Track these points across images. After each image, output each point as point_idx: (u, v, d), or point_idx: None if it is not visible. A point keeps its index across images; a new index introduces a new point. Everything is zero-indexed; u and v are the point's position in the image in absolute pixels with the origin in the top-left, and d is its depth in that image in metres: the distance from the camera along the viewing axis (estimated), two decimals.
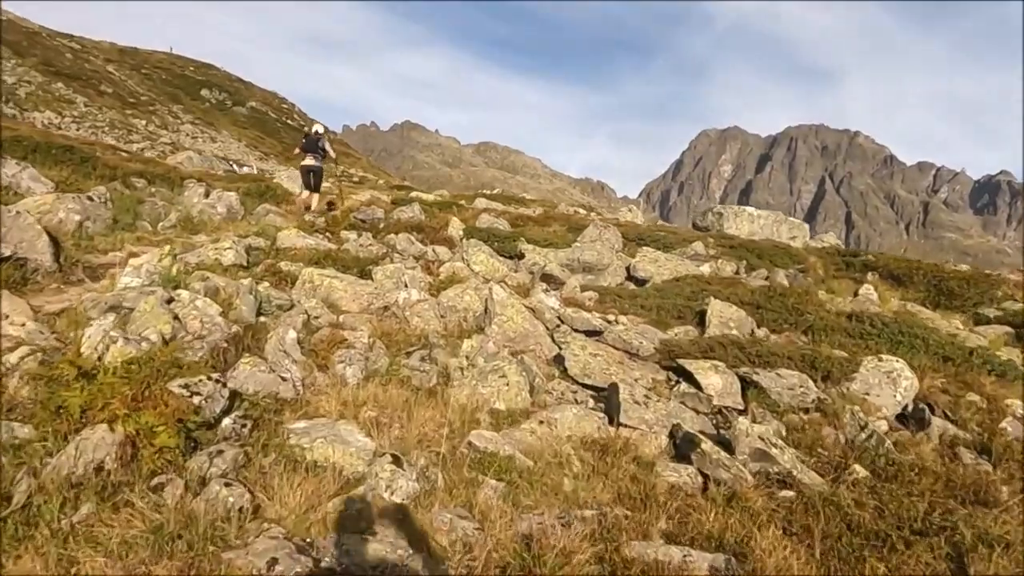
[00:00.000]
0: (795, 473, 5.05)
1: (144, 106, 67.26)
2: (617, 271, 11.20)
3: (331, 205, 14.83)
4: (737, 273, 12.39)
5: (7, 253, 7.02)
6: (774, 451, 5.12)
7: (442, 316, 7.91)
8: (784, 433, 6.01)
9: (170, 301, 6.26)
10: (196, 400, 4.34)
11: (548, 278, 9.92)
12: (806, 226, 19.96)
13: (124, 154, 16.06)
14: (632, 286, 10.97)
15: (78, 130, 48.27)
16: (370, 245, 10.65)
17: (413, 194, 19.92)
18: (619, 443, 5.30)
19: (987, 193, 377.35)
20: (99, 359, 4.78)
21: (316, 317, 7.23)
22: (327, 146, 14.54)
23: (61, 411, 4.10)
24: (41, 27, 71.48)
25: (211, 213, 11.51)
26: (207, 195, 12.28)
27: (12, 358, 4.91)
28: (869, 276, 13.06)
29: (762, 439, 5.18)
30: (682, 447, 5.29)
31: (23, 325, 5.84)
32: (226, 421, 4.48)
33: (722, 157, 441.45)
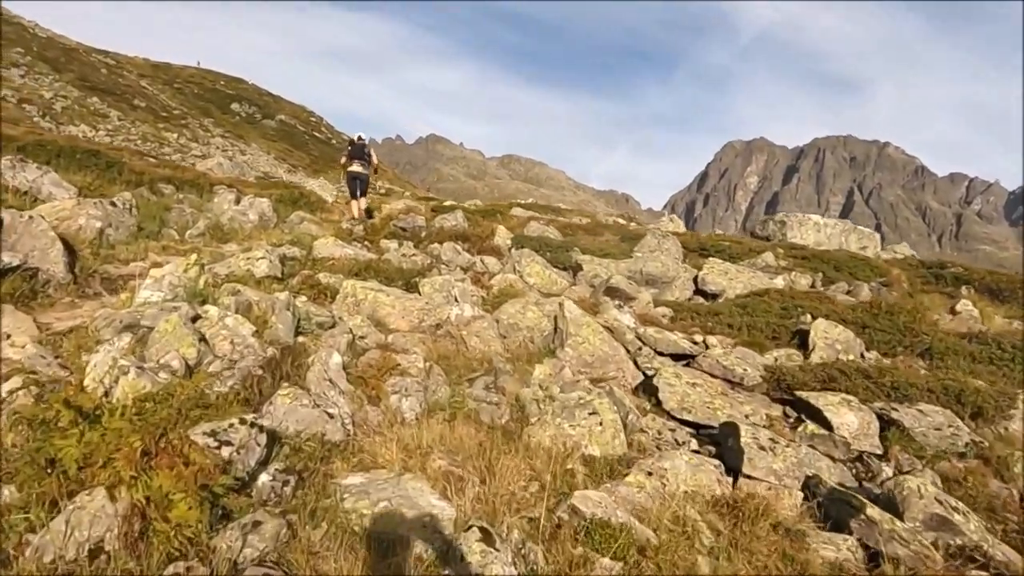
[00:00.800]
0: (985, 547, 3.89)
1: (176, 120, 67.99)
2: (684, 284, 10.09)
3: (369, 212, 13.96)
4: (814, 286, 11.19)
5: (15, 263, 6.16)
6: (956, 518, 3.97)
7: (503, 336, 6.88)
8: (939, 486, 4.84)
9: (196, 319, 5.32)
10: (225, 452, 3.35)
11: (613, 292, 8.86)
12: (877, 236, 18.58)
13: (152, 160, 15.39)
14: (702, 300, 9.86)
15: (112, 143, 48.58)
16: (413, 255, 9.69)
17: (448, 202, 19.01)
18: (751, 503, 4.18)
19: (1023, 205, 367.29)
20: (106, 394, 3.82)
21: (362, 337, 6.25)
22: (372, 154, 14.56)
23: (53, 466, 3.13)
24: (79, 43, 72.84)
25: (242, 221, 10.67)
26: (238, 202, 11.46)
27: (2, 390, 3.98)
28: (964, 290, 11.75)
29: (940, 502, 4.03)
30: (832, 509, 4.15)
31: (24, 347, 4.93)
32: (263, 478, 3.48)
33: (748, 169, 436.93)
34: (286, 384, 4.74)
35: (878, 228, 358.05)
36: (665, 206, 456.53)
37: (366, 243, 10.38)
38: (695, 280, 10.34)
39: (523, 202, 27.45)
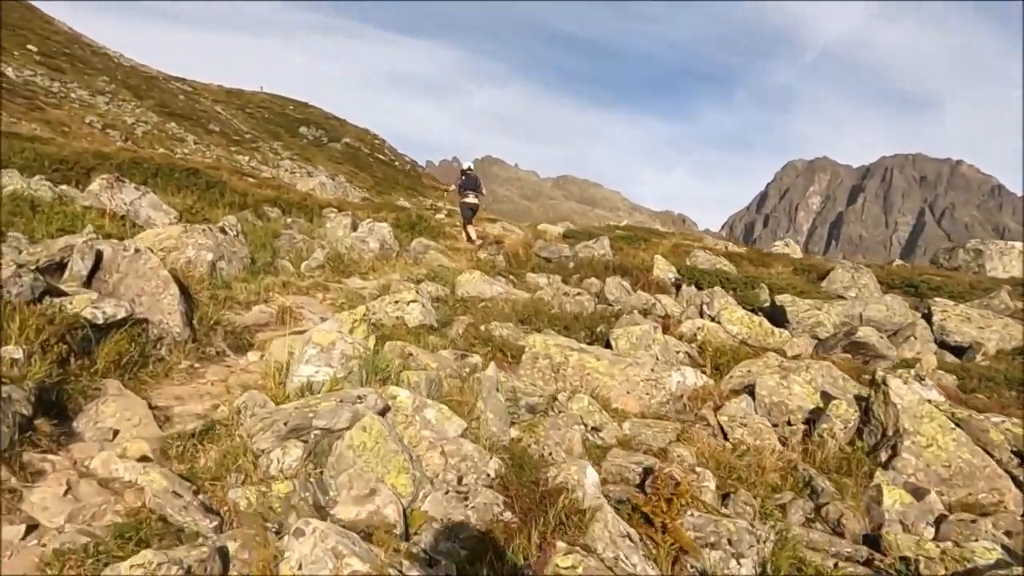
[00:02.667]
0: None
1: (247, 143, 69.26)
2: (921, 334, 7.84)
3: (501, 245, 12.14)
4: None
5: (119, 314, 4.51)
6: None
7: (773, 424, 4.83)
8: None
9: (384, 411, 3.50)
10: None
11: (857, 347, 6.74)
12: None
13: (251, 180, 14.14)
14: (954, 358, 7.62)
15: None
16: (577, 294, 7.77)
17: (554, 228, 17.14)
18: None
19: None
20: None
21: (596, 428, 4.33)
22: (482, 185, 14.97)
23: None
24: (159, 72, 75.45)
25: (361, 249, 9.03)
26: (355, 227, 9.85)
27: None
28: None
29: None
30: None
31: (142, 463, 3.19)
32: None
33: (810, 189, 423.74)
34: (561, 543, 2.83)
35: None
36: (723, 227, 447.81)
37: (511, 277, 8.55)
38: (931, 328, 8.07)
39: (613, 224, 25.45)
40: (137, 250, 5.39)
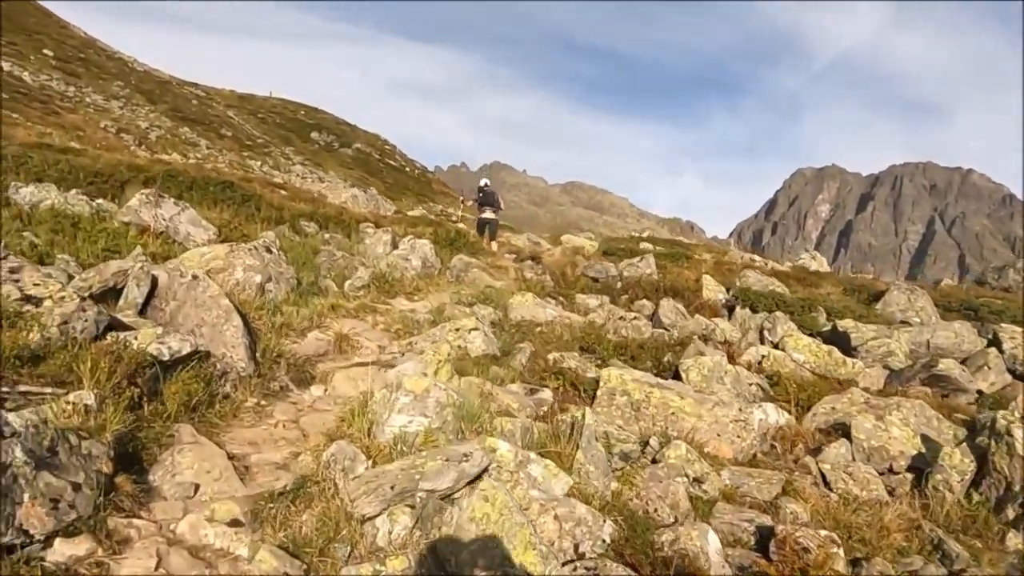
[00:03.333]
0: None
1: (259, 148, 69.50)
2: (995, 364, 7.49)
3: (540, 262, 11.78)
4: None
5: (186, 350, 4.24)
6: None
7: (880, 473, 4.52)
8: None
9: (486, 469, 3.21)
10: None
11: (936, 380, 6.41)
12: None
13: (283, 192, 13.85)
14: None
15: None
16: (634, 318, 7.47)
17: (586, 241, 16.84)
18: None
19: None
20: None
21: (697, 480, 4.02)
22: (500, 200, 15.51)
23: None
24: (172, 77, 75.78)
25: (404, 267, 8.74)
26: (395, 244, 9.56)
27: None
28: None
29: None
30: None
31: (234, 528, 2.90)
32: None
33: (819, 196, 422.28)
34: None
35: (962, 259, 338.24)
36: (731, 234, 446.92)
37: (561, 299, 8.25)
38: (1003, 357, 7.72)
39: (642, 235, 25.17)
40: (195, 276, 5.13)
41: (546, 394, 5.18)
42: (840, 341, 7.73)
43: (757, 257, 18.38)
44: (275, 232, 9.36)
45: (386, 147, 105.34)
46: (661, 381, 5.22)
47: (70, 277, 5.33)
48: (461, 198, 17.54)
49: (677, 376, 6.12)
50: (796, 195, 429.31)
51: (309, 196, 14.08)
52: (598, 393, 5.15)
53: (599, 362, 6.14)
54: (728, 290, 9.42)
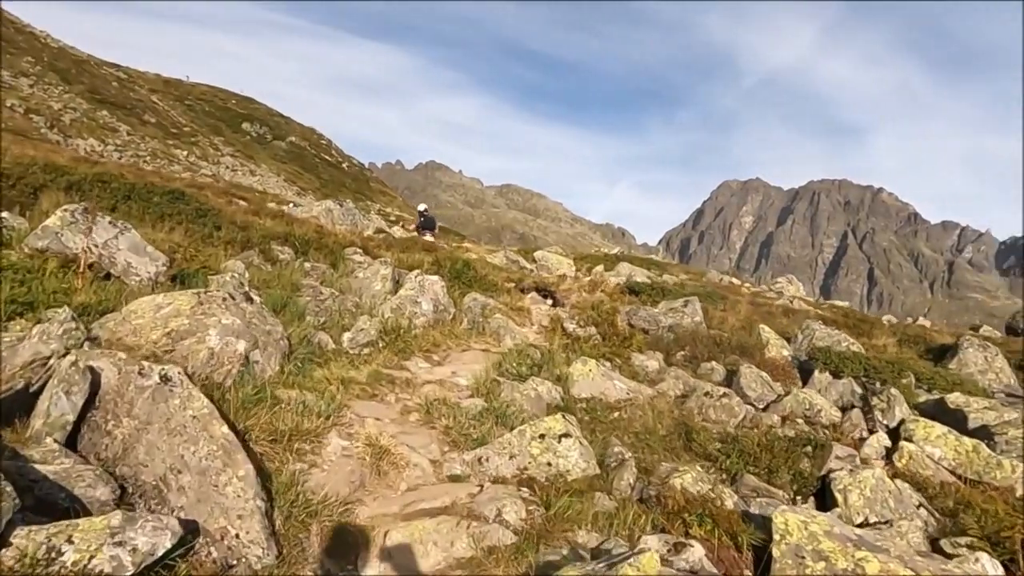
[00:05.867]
0: None
1: (186, 137, 65.06)
2: None
3: (553, 298, 9.90)
4: None
5: (162, 547, 2.35)
6: None
7: None
8: None
9: None
10: None
11: None
12: None
13: (243, 203, 11.33)
14: None
15: (120, 158, 45.35)
16: (722, 396, 5.91)
17: (552, 257, 15.21)
18: None
19: (1013, 255, 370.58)
20: None
21: None
22: (436, 224, 17.94)
23: None
24: (89, 55, 69.77)
25: (411, 312, 6.84)
26: (396, 280, 7.56)
27: None
28: None
29: None
30: None
31: None
32: None
33: (743, 208, 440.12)
34: None
35: (870, 273, 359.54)
36: (660, 241, 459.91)
37: (615, 359, 6.59)
38: None
39: (626, 255, 23.99)
40: (166, 378, 3.18)
41: (695, 552, 3.53)
42: (944, 417, 6.43)
43: (774, 289, 17.30)
44: (243, 260, 7.29)
45: (322, 142, 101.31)
46: (861, 534, 3.66)
47: None
48: (411, 227, 19.07)
49: (820, 492, 4.62)
50: (722, 206, 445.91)
51: (277, 211, 11.65)
52: (775, 554, 3.54)
53: (724, 475, 4.54)
54: (788, 341, 8.05)
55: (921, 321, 22.08)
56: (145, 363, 3.27)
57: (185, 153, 58.10)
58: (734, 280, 20.89)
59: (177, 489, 2.76)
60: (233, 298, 5.20)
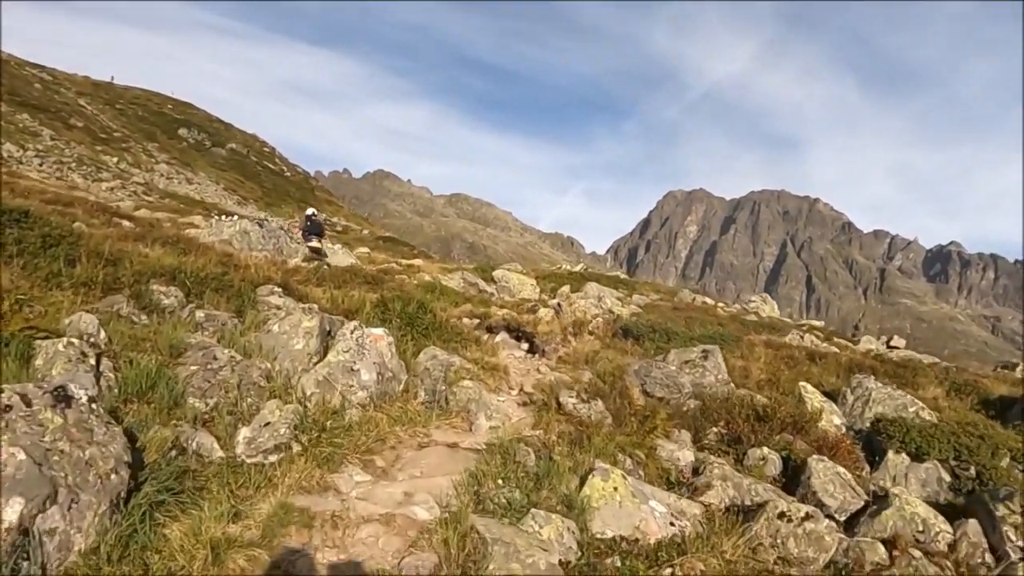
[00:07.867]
0: None
1: (116, 142, 60.85)
2: None
3: (530, 342, 7.79)
4: None
5: None
6: None
7: None
8: None
9: None
10: None
11: None
12: None
13: (126, 224, 8.73)
14: None
15: (41, 165, 41.29)
16: (805, 518, 4.04)
17: (518, 285, 13.33)
18: None
19: (939, 262, 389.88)
20: None
21: None
22: (324, 228, 17.15)
23: None
24: (10, 56, 64.55)
25: (345, 386, 4.74)
26: (325, 332, 5.34)
27: None
28: None
29: None
30: None
31: None
32: None
33: (688, 218, 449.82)
34: None
35: (808, 280, 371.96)
36: (608, 250, 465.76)
37: (636, 453, 4.66)
38: None
39: (596, 273, 22.26)
40: None
41: None
42: None
43: (749, 309, 15.76)
44: (103, 310, 5.05)
45: (265, 149, 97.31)
46: None
47: None
48: (296, 232, 17.25)
49: None
50: (668, 216, 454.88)
51: (169, 232, 8.78)
52: None
53: None
54: (830, 397, 6.30)
55: (863, 332, 21.10)
56: None
57: (115, 160, 54.04)
58: (707, 300, 19.39)
59: None
60: (29, 404, 3.03)
